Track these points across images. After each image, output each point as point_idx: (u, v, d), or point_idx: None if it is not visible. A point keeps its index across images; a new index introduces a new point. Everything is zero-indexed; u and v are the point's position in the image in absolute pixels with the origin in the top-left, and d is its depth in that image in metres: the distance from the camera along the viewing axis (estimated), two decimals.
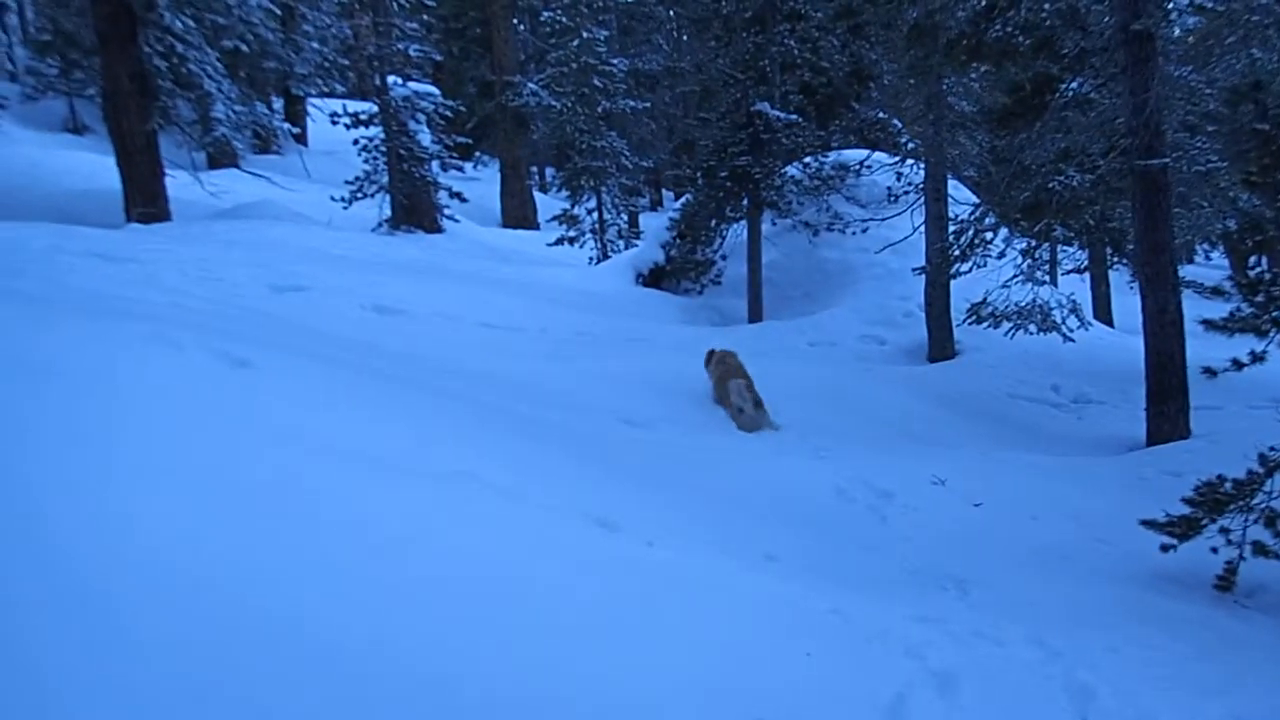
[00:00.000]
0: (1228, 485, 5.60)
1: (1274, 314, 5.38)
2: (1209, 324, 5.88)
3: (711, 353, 9.82)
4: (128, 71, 14.39)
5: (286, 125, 21.48)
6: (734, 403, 8.98)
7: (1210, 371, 6.18)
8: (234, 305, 8.84)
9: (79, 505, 2.97)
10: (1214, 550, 5.66)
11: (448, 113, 20.24)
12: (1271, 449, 5.54)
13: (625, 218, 22.81)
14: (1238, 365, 5.87)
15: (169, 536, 3.01)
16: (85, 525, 2.89)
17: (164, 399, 4.13)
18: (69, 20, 19.95)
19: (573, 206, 21.39)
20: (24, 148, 22.03)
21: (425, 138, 19.70)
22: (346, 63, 22.64)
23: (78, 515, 2.92)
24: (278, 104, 26.24)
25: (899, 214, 13.13)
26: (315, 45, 22.80)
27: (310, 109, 25.96)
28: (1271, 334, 5.51)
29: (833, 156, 15.57)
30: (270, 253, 12.56)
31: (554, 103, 22.81)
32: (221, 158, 20.77)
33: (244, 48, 16.32)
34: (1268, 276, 5.58)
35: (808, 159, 15.29)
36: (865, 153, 15.18)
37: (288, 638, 2.80)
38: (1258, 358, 5.72)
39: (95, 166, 19.55)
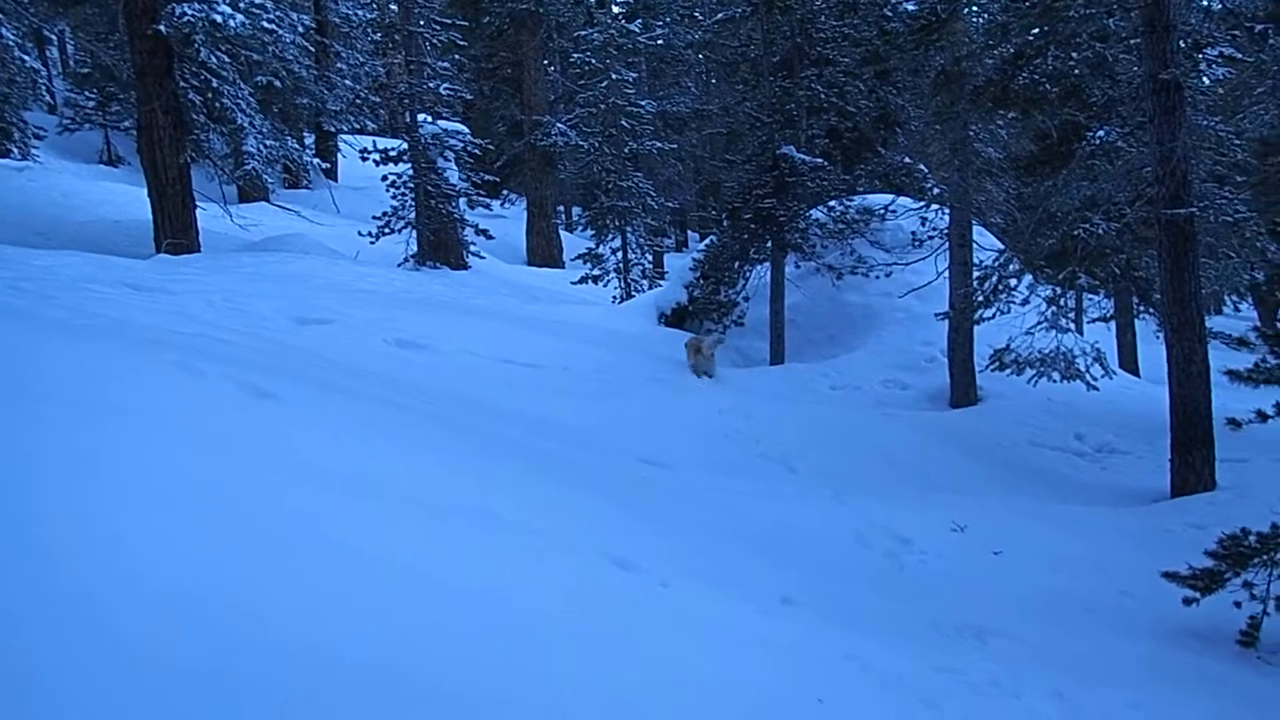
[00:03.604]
0: (1252, 539, 5.53)
1: None
2: (1234, 375, 5.84)
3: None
4: (163, 105, 14.64)
5: (317, 160, 21.76)
6: (704, 356, 12.55)
7: (1235, 423, 6.12)
8: (259, 337, 8.90)
9: (85, 528, 2.98)
10: (1237, 605, 5.58)
11: (476, 151, 20.43)
12: None
13: (650, 257, 22.90)
14: (1262, 417, 5.81)
15: (183, 565, 3.02)
16: (87, 548, 2.90)
17: (186, 428, 4.16)
18: (107, 54, 20.34)
19: (598, 245, 21.50)
20: (60, 178, 22.43)
21: (453, 175, 19.86)
22: (378, 100, 22.90)
23: (82, 538, 2.93)
24: (309, 139, 26.58)
25: (923, 259, 13.11)
26: (348, 82, 23.15)
27: (341, 145, 26.30)
28: None
29: (858, 200, 15.57)
30: (297, 286, 12.67)
31: (582, 143, 23.04)
32: (252, 191, 21.06)
33: (277, 83, 16.56)
34: None
35: (833, 202, 15.31)
36: (890, 197, 15.18)
37: (286, 657, 2.80)
38: None
39: (128, 198, 19.87)
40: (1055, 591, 6.47)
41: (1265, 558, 5.55)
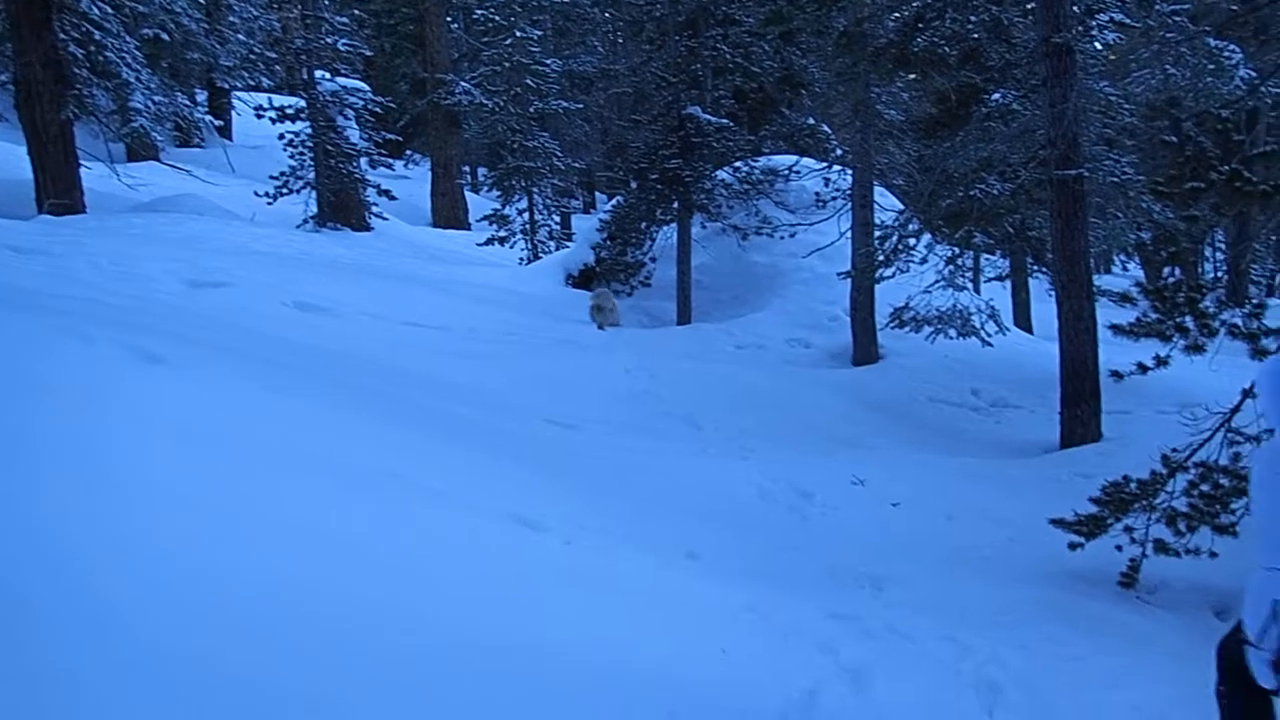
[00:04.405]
0: (1132, 485, 5.78)
1: (1177, 319, 5.57)
2: (1117, 329, 6.07)
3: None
4: (41, 59, 13.96)
5: (210, 118, 21.03)
6: (604, 310, 13.60)
7: (1117, 375, 6.37)
8: (149, 300, 8.63)
9: None
10: (1119, 548, 5.83)
11: (378, 109, 19.99)
12: (1174, 450, 5.73)
13: (557, 219, 22.76)
14: (1143, 369, 6.05)
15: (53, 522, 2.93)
16: None
17: (69, 392, 4.02)
18: None
19: (504, 206, 21.29)
20: None
21: (354, 134, 19.42)
22: (274, 55, 22.17)
23: None
24: (201, 96, 25.63)
25: (826, 219, 13.29)
26: (241, 37, 22.35)
27: (235, 102, 25.44)
28: (1175, 339, 5.70)
29: (762, 161, 15.69)
30: (190, 248, 12.29)
31: (486, 101, 22.69)
32: (141, 150, 20.23)
33: (165, 37, 15.93)
34: (1173, 284, 5.77)
35: (738, 163, 15.40)
36: (794, 158, 15.34)
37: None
38: (1162, 362, 5.91)
39: (7, 156, 18.94)
40: (950, 540, 6.69)
41: (1144, 503, 5.81)
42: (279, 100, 20.06)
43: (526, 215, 21.13)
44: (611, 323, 13.55)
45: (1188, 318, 5.58)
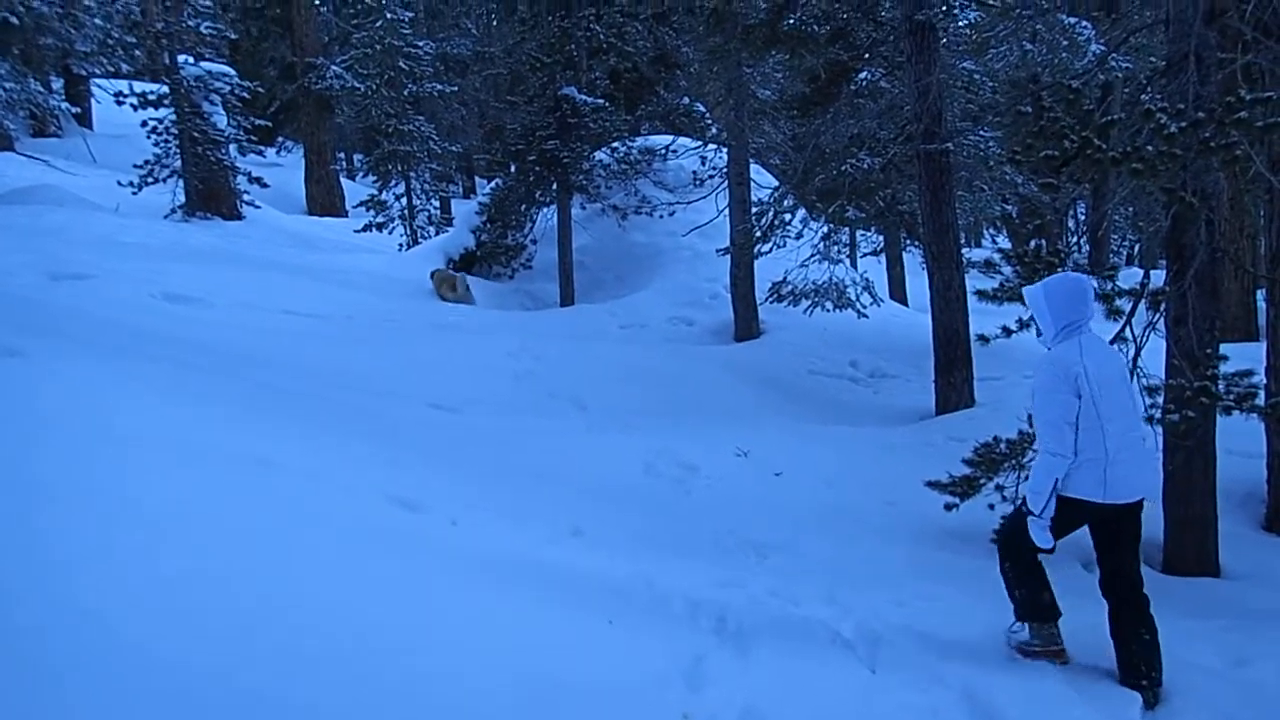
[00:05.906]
0: (1002, 446, 6.01)
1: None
2: (982, 294, 6.29)
3: (435, 273, 14.48)
4: None
5: (67, 106, 20.06)
6: (452, 290, 14.02)
7: (983, 339, 6.60)
8: (5, 294, 8.22)
9: None
10: (991, 507, 6.06)
11: (245, 94, 19.34)
12: None
13: (436, 203, 22.42)
14: (1007, 332, 6.29)
15: None
16: None
17: None
18: None
19: (381, 192, 20.88)
20: None
21: (221, 120, 18.76)
22: (133, 40, 21.21)
23: None
24: (57, 84, 24.41)
25: (704, 198, 13.42)
26: (98, 20, 21.34)
27: (95, 89, 24.33)
28: None
29: (640, 141, 15.76)
30: (49, 239, 11.74)
31: (359, 85, 22.17)
32: None
33: (14, 20, 15.11)
34: (1034, 249, 6.00)
35: (615, 144, 15.42)
36: (671, 138, 15.44)
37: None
38: (1024, 324, 6.14)
39: None
40: (830, 506, 6.85)
41: (1014, 462, 6.05)
42: (140, 86, 19.22)
43: (404, 201, 20.77)
44: (462, 299, 13.98)
45: None
